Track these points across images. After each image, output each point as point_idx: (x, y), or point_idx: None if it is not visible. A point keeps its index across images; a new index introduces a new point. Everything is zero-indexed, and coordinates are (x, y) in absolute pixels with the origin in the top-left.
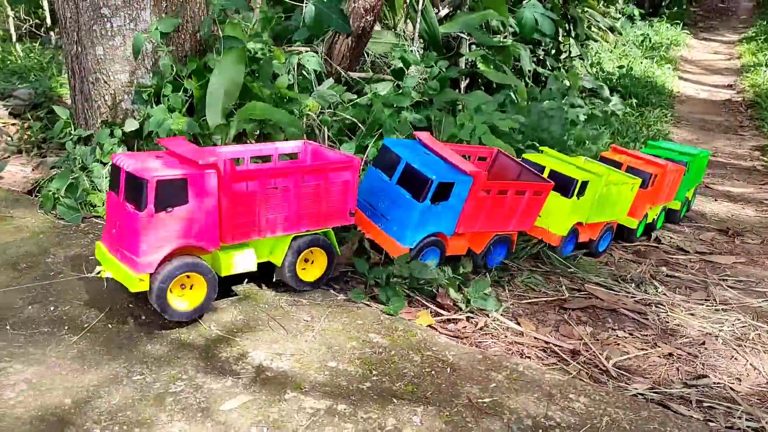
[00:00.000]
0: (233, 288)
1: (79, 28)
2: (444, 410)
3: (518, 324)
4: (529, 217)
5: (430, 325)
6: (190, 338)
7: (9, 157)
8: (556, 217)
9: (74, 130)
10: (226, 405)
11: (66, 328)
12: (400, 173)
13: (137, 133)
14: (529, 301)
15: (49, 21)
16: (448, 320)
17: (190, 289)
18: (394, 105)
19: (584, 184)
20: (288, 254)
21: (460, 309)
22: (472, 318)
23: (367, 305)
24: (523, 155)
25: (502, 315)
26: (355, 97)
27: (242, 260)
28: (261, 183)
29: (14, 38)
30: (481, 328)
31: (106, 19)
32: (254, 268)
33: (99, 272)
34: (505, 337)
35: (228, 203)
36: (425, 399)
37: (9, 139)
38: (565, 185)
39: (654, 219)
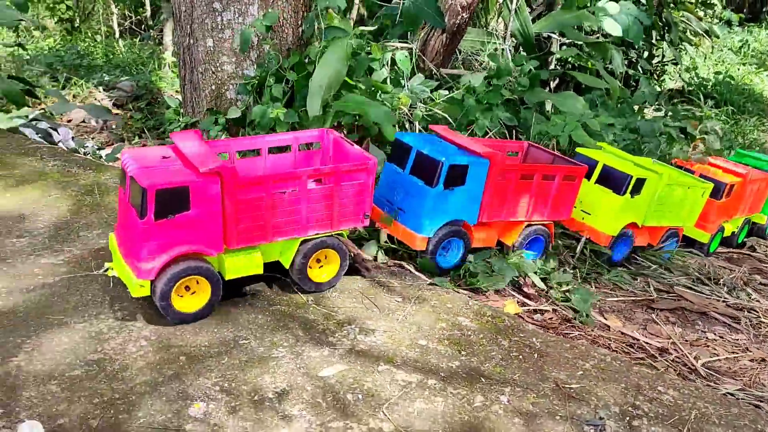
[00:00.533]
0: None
1: (192, 21)
2: (531, 392)
3: (605, 319)
4: (564, 206)
5: (517, 314)
6: (290, 311)
7: (117, 144)
8: (606, 215)
9: (182, 118)
10: (324, 372)
11: None
12: (412, 162)
13: (239, 120)
14: (617, 299)
15: (150, 19)
16: (535, 310)
17: (194, 292)
18: (485, 102)
19: (640, 181)
20: (297, 257)
21: (546, 299)
22: (558, 310)
23: (456, 291)
24: (577, 149)
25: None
26: (447, 93)
27: (248, 264)
28: (267, 188)
29: (117, 34)
30: (567, 320)
31: (217, 13)
32: (260, 272)
33: (107, 269)
34: (592, 330)
35: (232, 209)
36: (513, 381)
37: (113, 127)
38: (617, 182)
39: (734, 233)
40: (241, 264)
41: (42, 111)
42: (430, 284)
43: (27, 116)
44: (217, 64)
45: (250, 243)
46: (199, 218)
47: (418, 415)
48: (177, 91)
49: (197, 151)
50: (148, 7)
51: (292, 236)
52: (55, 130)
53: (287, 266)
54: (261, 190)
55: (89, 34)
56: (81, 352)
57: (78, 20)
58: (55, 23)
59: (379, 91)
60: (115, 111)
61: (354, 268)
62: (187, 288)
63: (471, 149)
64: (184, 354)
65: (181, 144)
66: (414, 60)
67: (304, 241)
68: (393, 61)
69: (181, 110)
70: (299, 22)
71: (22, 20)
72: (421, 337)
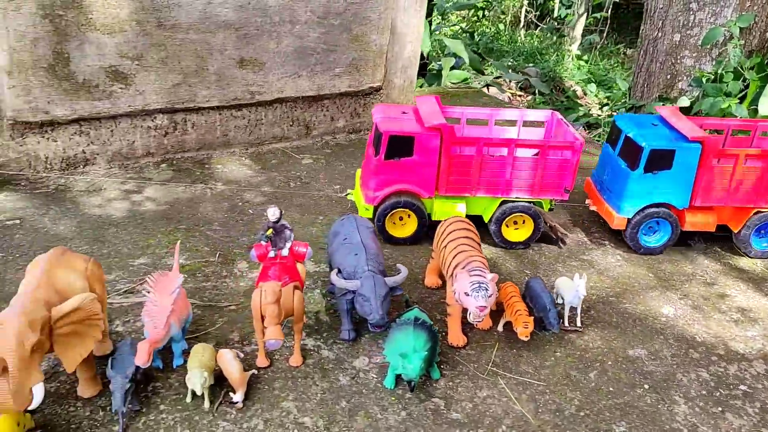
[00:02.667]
0: None
1: (666, 17)
2: None
3: None
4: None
5: None
6: None
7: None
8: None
9: (629, 100)
10: None
11: None
12: (621, 145)
13: (686, 110)
14: None
15: (556, 12)
16: None
17: (404, 223)
18: None
19: None
20: (496, 214)
21: None
22: None
23: None
24: None
25: None
26: None
27: (450, 210)
28: (477, 149)
29: (522, 24)
30: None
31: (691, 12)
32: (462, 215)
33: (348, 194)
34: None
35: (446, 161)
36: None
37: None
38: None
39: None
40: (447, 210)
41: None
42: None
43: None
44: (678, 58)
45: (457, 193)
46: (419, 164)
47: None
48: (577, 82)
49: (429, 110)
50: (556, 2)
51: (494, 195)
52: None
53: (486, 221)
54: (472, 149)
55: (494, 22)
56: None
57: (486, 9)
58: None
59: None
60: (518, 93)
61: (547, 237)
62: (401, 218)
63: (686, 135)
64: None
65: (419, 104)
66: None
67: (504, 202)
68: None
69: (629, 93)
70: (767, 27)
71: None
72: None
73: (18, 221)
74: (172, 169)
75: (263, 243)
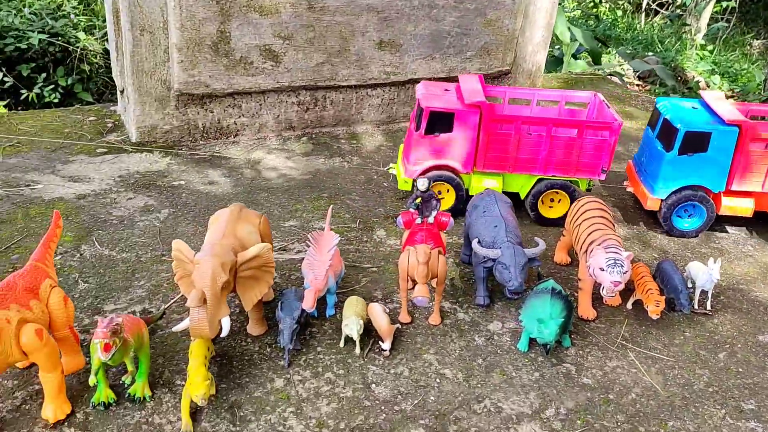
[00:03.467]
0: None
1: None
2: None
3: None
4: None
5: None
6: None
7: None
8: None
9: (764, 91)
10: None
11: None
12: (659, 127)
13: None
14: None
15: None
16: None
17: (445, 195)
18: None
19: None
20: (531, 191)
21: None
22: None
23: None
24: None
25: None
26: None
27: (489, 184)
28: (516, 127)
29: (641, 10)
30: None
31: None
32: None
33: (389, 168)
34: None
35: (484, 138)
36: None
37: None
38: None
39: None
40: (483, 186)
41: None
42: None
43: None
44: None
45: (495, 170)
46: (458, 139)
47: None
48: (700, 73)
49: (470, 88)
50: None
51: (531, 173)
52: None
53: (522, 197)
54: (510, 127)
55: (612, 8)
56: None
57: None
58: None
59: None
60: (636, 82)
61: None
62: (439, 192)
63: (725, 118)
64: None
65: (462, 82)
66: None
67: (540, 179)
68: None
69: (764, 85)
70: None
71: None
72: None
73: (183, 182)
74: (311, 142)
75: (412, 210)
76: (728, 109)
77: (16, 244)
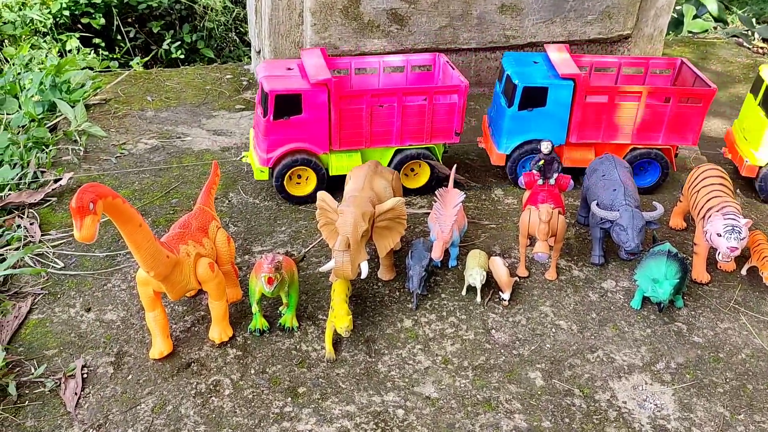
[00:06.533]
0: None
1: None
2: None
3: None
4: (683, 130)
5: None
6: None
7: None
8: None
9: None
10: None
11: None
12: (504, 84)
13: None
14: None
15: None
16: None
17: (305, 180)
18: None
19: None
20: (392, 164)
21: None
22: None
23: None
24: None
25: None
26: None
27: (350, 164)
28: (366, 101)
29: None
30: None
31: None
32: None
33: (242, 156)
34: None
35: (336, 116)
36: None
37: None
38: None
39: None
40: (344, 164)
41: None
42: None
43: None
44: None
45: (351, 147)
46: (309, 121)
47: None
48: None
49: (314, 64)
50: None
51: (388, 145)
52: None
53: None
54: (361, 102)
55: None
56: None
57: None
58: None
59: None
60: (762, 45)
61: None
62: (299, 176)
63: (561, 72)
64: None
65: (305, 58)
66: None
67: (399, 151)
68: None
69: None
70: None
71: None
72: None
73: None
74: None
75: (534, 172)
76: (565, 63)
77: (174, 190)
